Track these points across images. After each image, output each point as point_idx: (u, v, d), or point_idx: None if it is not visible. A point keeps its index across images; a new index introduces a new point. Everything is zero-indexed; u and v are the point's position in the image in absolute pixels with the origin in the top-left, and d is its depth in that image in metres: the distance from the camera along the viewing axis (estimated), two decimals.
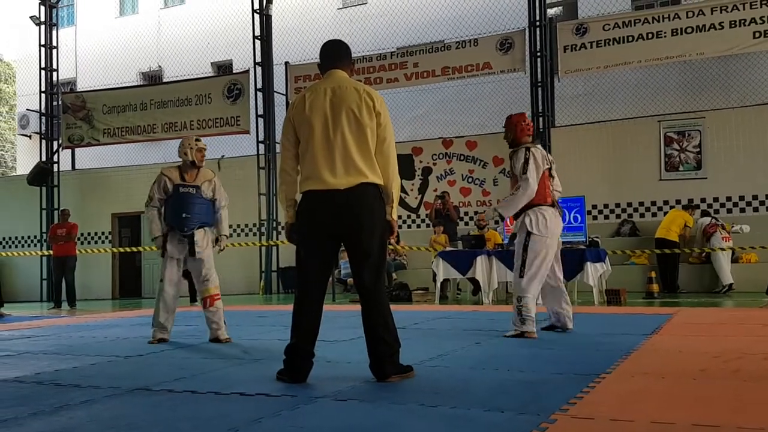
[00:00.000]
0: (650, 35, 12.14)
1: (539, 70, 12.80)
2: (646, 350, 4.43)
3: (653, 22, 12.14)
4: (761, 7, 11.43)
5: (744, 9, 11.54)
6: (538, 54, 12.79)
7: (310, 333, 3.55)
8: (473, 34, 13.61)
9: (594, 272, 8.69)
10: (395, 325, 3.61)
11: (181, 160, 5.72)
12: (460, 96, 15.56)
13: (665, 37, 12.04)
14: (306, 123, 3.47)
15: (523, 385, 3.31)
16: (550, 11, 14.04)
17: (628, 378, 3.46)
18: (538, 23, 12.80)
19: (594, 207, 12.65)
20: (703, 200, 11.99)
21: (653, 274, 10.17)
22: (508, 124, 5.68)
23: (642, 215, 12.49)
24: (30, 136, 20.55)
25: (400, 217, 14.14)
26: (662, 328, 5.62)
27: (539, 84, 12.79)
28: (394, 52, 14.29)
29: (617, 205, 12.75)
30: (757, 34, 11.47)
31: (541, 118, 12.75)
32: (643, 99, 13.60)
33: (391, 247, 12.75)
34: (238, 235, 15.16)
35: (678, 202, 12.14)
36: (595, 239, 10.00)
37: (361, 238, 3.45)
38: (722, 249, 10.71)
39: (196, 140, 5.73)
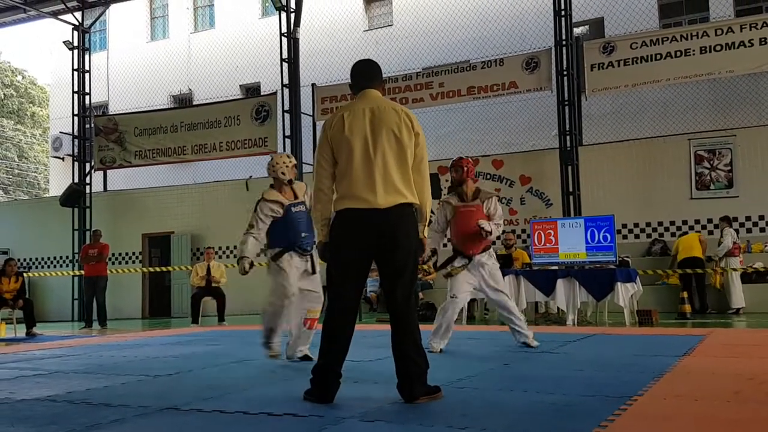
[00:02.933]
0: (678, 53, 12.04)
1: (566, 88, 12.76)
2: (678, 372, 4.34)
3: (681, 40, 12.04)
4: None
5: None
6: (565, 73, 12.76)
7: (339, 354, 3.57)
8: (499, 54, 13.63)
9: (625, 293, 8.56)
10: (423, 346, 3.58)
11: (273, 179, 5.61)
12: (485, 115, 15.56)
13: (694, 54, 11.93)
14: (345, 143, 3.49)
15: (552, 407, 3.26)
16: (577, 30, 14.02)
17: (661, 400, 3.40)
18: (564, 42, 12.79)
19: (624, 226, 12.50)
20: (735, 219, 11.78)
21: (685, 295, 10.00)
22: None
23: (673, 234, 12.31)
24: (63, 158, 21.00)
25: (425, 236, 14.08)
26: (695, 350, 5.50)
27: (566, 103, 12.74)
28: (420, 72, 14.37)
29: (648, 224, 12.58)
30: None
31: (568, 137, 12.68)
32: (672, 117, 13.46)
33: (425, 267, 12.70)
34: (266, 255, 15.19)
35: (709, 221, 11.95)
36: (625, 259, 9.89)
37: (397, 256, 3.48)
38: (734, 269, 10.57)
39: (288, 156, 5.68)
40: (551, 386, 3.94)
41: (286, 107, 14.88)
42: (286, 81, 14.89)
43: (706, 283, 10.97)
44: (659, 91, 13.67)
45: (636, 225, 12.65)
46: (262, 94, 16.98)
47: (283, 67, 14.91)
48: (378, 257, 3.53)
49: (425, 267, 11.06)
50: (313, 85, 14.96)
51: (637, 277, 9.24)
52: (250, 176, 15.54)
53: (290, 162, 5.59)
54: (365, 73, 3.71)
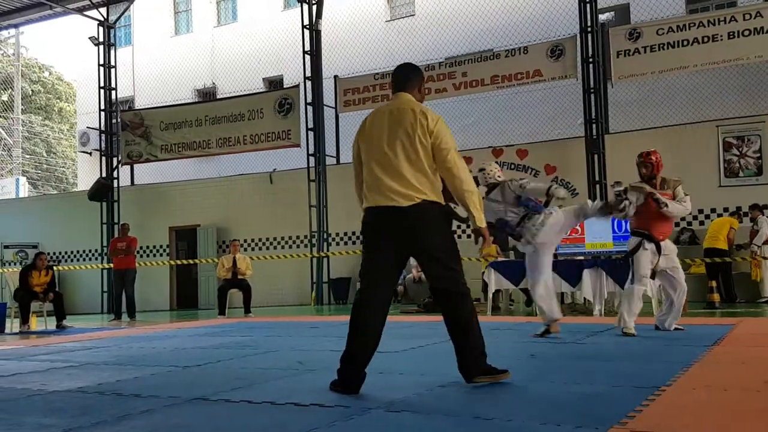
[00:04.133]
0: (706, 39, 11.81)
1: (591, 76, 12.60)
2: (707, 362, 4.29)
3: (709, 26, 11.81)
4: None
5: None
6: (590, 60, 12.59)
7: (368, 344, 3.63)
8: (523, 42, 13.50)
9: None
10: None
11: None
12: (509, 104, 15.43)
13: (722, 40, 11.70)
14: (366, 143, 3.68)
15: (580, 398, 3.24)
16: (602, 17, 13.82)
17: (690, 390, 3.36)
18: (589, 29, 12.61)
19: None
20: (765, 206, 11.56)
21: (713, 284, 9.85)
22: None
23: (702, 223, 12.12)
24: (90, 153, 21.31)
25: None
26: (724, 339, 5.43)
27: (592, 90, 12.58)
28: (443, 62, 14.29)
29: None
30: None
31: (594, 125, 12.53)
32: (700, 104, 13.22)
33: (486, 251, 12.65)
34: (290, 247, 15.35)
35: (738, 209, 11.73)
36: None
37: (419, 248, 3.61)
38: (765, 258, 10.36)
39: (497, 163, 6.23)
40: (578, 377, 3.92)
41: (309, 100, 14.92)
42: (308, 73, 14.92)
43: (734, 272, 10.79)
44: (687, 78, 13.43)
45: None
46: (284, 86, 17.04)
47: (306, 60, 14.93)
48: (409, 253, 3.66)
49: (487, 250, 11.06)
50: (335, 77, 14.97)
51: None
52: (274, 169, 15.62)
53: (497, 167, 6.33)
54: (399, 78, 3.84)
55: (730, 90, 13.34)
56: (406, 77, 3.83)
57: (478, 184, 5.59)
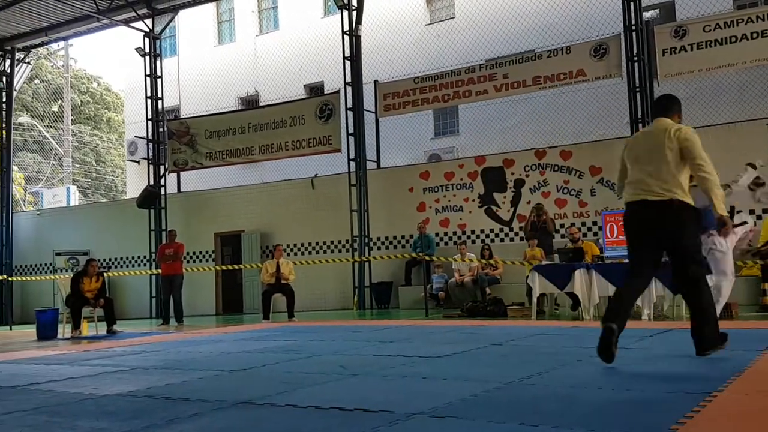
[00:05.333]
0: (755, 35, 11.47)
1: (637, 75, 12.36)
2: (760, 367, 4.15)
3: (758, 21, 11.46)
4: None
5: None
6: (635, 59, 12.35)
7: (624, 316, 4.46)
8: (565, 42, 13.33)
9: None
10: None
11: None
12: (552, 105, 15.25)
13: None
14: (631, 151, 4.74)
15: (628, 404, 3.17)
16: (646, 14, 13.55)
17: (743, 396, 3.26)
18: (634, 27, 12.38)
19: None
20: None
21: (766, 287, 9.53)
22: None
23: (754, 224, 11.74)
24: (138, 162, 21.84)
25: (492, 230, 13.98)
26: None
27: (637, 89, 12.34)
28: (483, 64, 14.21)
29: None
30: None
31: (640, 124, 12.28)
32: (749, 101, 12.84)
33: (492, 261, 12.59)
34: (332, 251, 15.44)
35: None
36: None
37: (663, 238, 4.48)
38: None
39: None
40: (627, 382, 3.84)
41: (349, 105, 14.99)
42: (348, 79, 15.00)
43: None
44: (735, 75, 13.06)
45: None
46: (325, 92, 17.17)
47: (346, 65, 15.02)
48: (660, 243, 4.53)
49: (531, 253, 10.99)
50: (375, 81, 15.02)
51: None
52: (316, 174, 15.74)
53: None
54: (658, 105, 4.87)
55: None
56: (666, 106, 4.80)
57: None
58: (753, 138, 11.81)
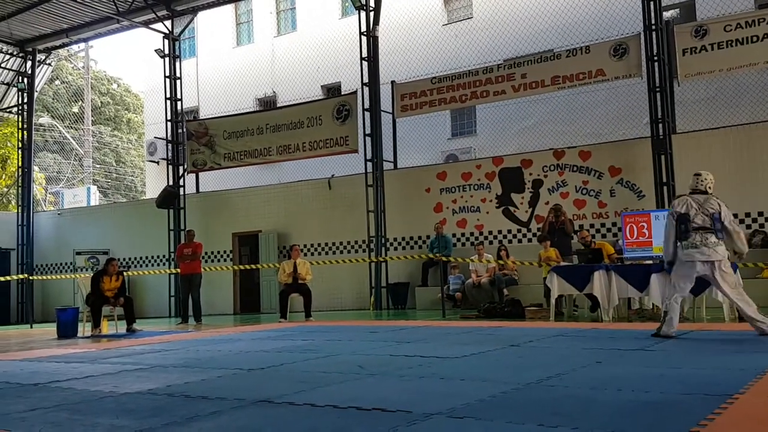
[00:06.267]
0: None
1: (657, 75, 12.24)
2: None
3: None
4: None
5: None
6: (656, 58, 12.24)
7: None
8: (584, 41, 13.24)
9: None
10: None
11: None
12: (571, 105, 15.15)
13: None
14: None
15: (648, 406, 3.15)
16: (666, 14, 13.42)
17: (764, 399, 3.22)
18: (654, 27, 12.26)
19: None
20: None
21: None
22: None
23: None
24: (158, 162, 22.02)
25: (509, 231, 13.93)
26: None
27: (658, 89, 12.22)
28: (501, 64, 14.15)
29: (747, 215, 11.91)
30: None
31: (661, 125, 12.16)
32: None
33: (501, 262, 12.57)
34: (348, 251, 15.47)
35: None
36: None
37: None
38: None
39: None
40: (647, 384, 3.80)
41: (366, 105, 15.00)
42: (366, 79, 15.02)
43: None
44: (757, 75, 12.89)
45: (735, 215, 11.96)
46: (342, 93, 17.19)
47: (363, 66, 15.03)
48: None
49: (546, 254, 10.99)
50: (392, 82, 15.02)
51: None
52: (333, 175, 15.77)
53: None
54: None
55: None
56: None
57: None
58: None
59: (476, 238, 13.97)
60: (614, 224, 12.63)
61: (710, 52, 11.79)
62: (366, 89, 15.00)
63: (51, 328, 11.47)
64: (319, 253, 15.74)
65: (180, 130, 17.42)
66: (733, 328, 7.21)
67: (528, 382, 3.90)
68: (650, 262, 8.91)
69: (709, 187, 6.48)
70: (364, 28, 15.11)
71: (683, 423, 2.68)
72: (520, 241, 13.83)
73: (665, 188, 11.94)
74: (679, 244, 6.36)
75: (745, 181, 11.82)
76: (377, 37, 15.20)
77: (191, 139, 17.09)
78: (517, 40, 15.86)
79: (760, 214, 11.81)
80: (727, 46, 11.69)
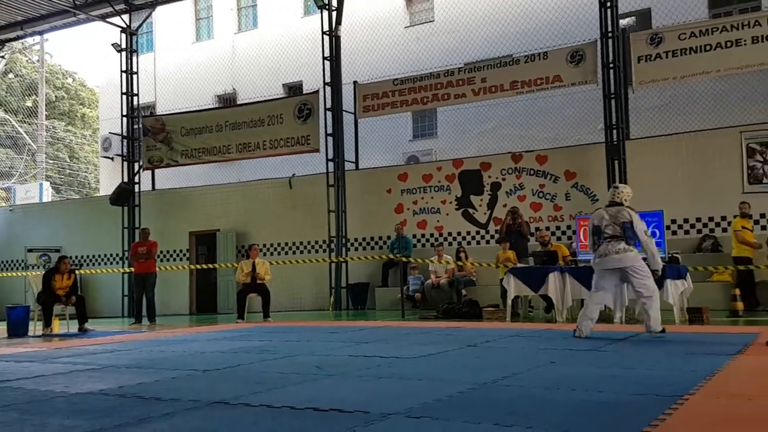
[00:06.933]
0: (729, 43, 11.68)
1: (612, 81, 12.51)
2: (731, 371, 4.23)
3: (732, 30, 11.67)
4: None
5: None
6: (611, 65, 12.50)
7: None
8: (542, 47, 13.44)
9: (674, 290, 8.35)
10: None
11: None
12: (529, 110, 15.37)
13: (745, 45, 11.55)
14: None
15: (601, 406, 3.21)
16: (623, 22, 13.71)
17: (714, 399, 3.31)
18: (610, 34, 12.53)
19: (673, 222, 12.20)
20: None
21: (737, 292, 9.70)
22: None
23: (725, 230, 11.95)
24: (112, 158, 21.53)
25: (468, 232, 14.05)
26: (748, 348, 5.35)
27: (612, 96, 12.49)
28: (462, 68, 14.27)
29: (698, 220, 12.26)
30: None
31: (615, 131, 12.44)
32: (723, 109, 13.06)
33: (460, 263, 12.67)
34: (309, 251, 15.39)
35: (762, 215, 11.57)
36: (675, 255, 9.63)
37: None
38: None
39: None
40: (600, 385, 3.88)
41: (328, 105, 14.96)
42: (327, 79, 14.97)
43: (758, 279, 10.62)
44: (709, 83, 13.27)
45: (686, 220, 12.34)
46: (304, 92, 17.11)
47: (325, 66, 14.99)
48: None
49: (505, 255, 11.07)
50: (354, 82, 15.01)
51: (687, 274, 9.02)
52: (293, 174, 15.68)
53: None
54: None
55: (753, 95, 13.18)
56: None
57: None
58: (726, 145, 12.02)
59: (436, 240, 14.06)
60: (569, 227, 12.86)
61: (664, 59, 12.10)
62: (328, 89, 14.95)
63: (1, 327, 11.12)
64: (279, 253, 15.62)
65: (136, 126, 17.10)
66: (683, 330, 7.41)
67: (484, 382, 3.94)
68: None
69: (625, 200, 6.78)
70: (326, 28, 15.06)
71: (635, 423, 2.74)
72: (478, 242, 13.97)
73: None
74: (593, 254, 6.78)
75: (696, 187, 12.17)
76: (339, 36, 15.17)
77: (147, 135, 16.78)
78: (478, 44, 16.03)
79: (710, 219, 12.17)
80: (681, 54, 12.01)
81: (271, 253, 15.55)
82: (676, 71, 12.09)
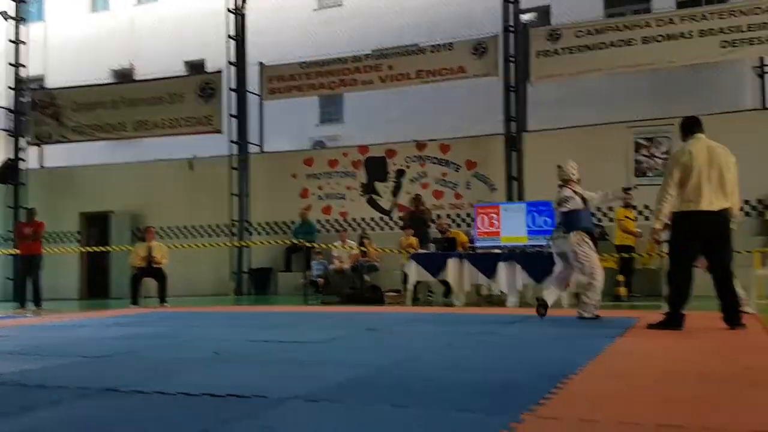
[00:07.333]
0: (621, 43, 12.31)
1: (512, 75, 12.92)
2: (613, 352, 4.50)
3: (625, 30, 12.32)
4: (729, 17, 11.68)
5: (713, 19, 11.77)
6: (512, 59, 12.91)
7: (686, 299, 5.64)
8: (448, 38, 13.68)
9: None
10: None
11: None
12: (434, 99, 15.62)
13: (636, 45, 12.23)
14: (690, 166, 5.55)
15: (494, 386, 3.34)
16: (524, 17, 14.17)
17: (596, 379, 3.52)
18: (512, 28, 12.92)
19: None
20: None
21: (621, 278, 10.31)
22: None
23: (611, 220, 12.66)
24: None
25: (372, 219, 14.16)
26: (629, 331, 5.71)
27: (512, 89, 12.91)
28: (369, 54, 14.31)
29: None
30: (725, 44, 11.71)
31: (513, 123, 12.87)
32: (614, 105, 13.77)
33: (363, 249, 12.76)
34: (209, 235, 15.04)
35: (646, 207, 12.33)
36: None
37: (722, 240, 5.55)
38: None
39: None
40: (492, 365, 4.03)
41: (232, 85, 14.62)
42: (232, 58, 14.62)
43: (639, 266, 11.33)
44: (602, 80, 13.96)
45: None
46: (207, 71, 16.63)
47: (230, 45, 14.62)
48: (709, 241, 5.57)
49: (407, 241, 11.22)
50: (260, 63, 14.72)
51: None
52: (194, 155, 15.23)
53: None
54: (698, 123, 5.90)
55: (642, 94, 13.97)
56: (701, 125, 5.87)
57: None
58: (615, 140, 12.68)
59: (340, 225, 14.09)
60: (468, 215, 13.23)
61: (562, 56, 12.62)
62: (232, 69, 14.60)
63: None
64: (178, 237, 15.17)
65: (23, 99, 16.05)
66: (571, 314, 7.81)
67: (384, 365, 4.00)
68: (498, 251, 9.43)
69: (564, 179, 7.12)
70: (231, 5, 14.67)
71: (525, 401, 2.87)
72: (382, 228, 14.12)
73: (515, 183, 12.68)
74: None
75: (587, 180, 12.72)
76: (245, 15, 14.82)
77: (36, 109, 15.81)
78: (385, 31, 16.10)
79: (599, 209, 12.83)
80: (577, 51, 12.56)
81: (170, 237, 15.07)
82: (572, 67, 12.64)
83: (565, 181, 7.13)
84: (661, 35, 12.04)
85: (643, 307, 8.97)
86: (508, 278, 9.03)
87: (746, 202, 11.56)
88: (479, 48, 13.15)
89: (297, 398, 3.07)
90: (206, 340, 5.61)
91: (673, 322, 5.61)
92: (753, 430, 2.37)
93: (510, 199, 12.43)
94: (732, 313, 5.56)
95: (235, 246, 14.11)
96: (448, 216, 13.28)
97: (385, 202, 14.16)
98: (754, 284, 8.16)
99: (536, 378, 3.51)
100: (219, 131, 14.63)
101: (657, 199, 5.73)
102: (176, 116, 14.99)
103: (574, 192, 7.01)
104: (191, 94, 14.90)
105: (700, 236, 5.57)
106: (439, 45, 13.54)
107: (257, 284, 14.11)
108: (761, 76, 12.34)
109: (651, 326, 5.73)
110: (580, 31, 12.60)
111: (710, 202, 5.47)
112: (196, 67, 19.05)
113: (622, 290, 10.21)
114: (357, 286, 11.87)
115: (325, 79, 14.25)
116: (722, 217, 5.54)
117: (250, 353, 4.74)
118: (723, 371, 3.71)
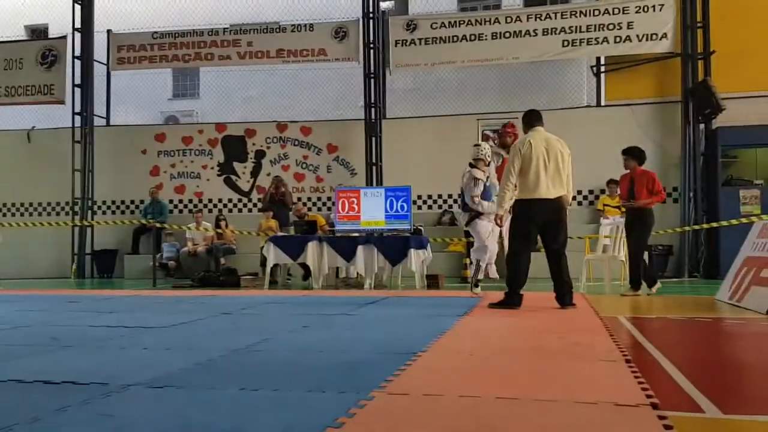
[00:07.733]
0: (473, 37, 12.85)
1: (372, 61, 13.09)
2: (458, 330, 4.75)
3: (476, 25, 12.87)
4: (570, 17, 12.54)
5: (555, 18, 12.60)
6: (372, 46, 13.07)
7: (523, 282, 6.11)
8: (310, 19, 13.59)
9: (417, 258, 9.11)
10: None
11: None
12: (295, 80, 15.48)
13: (486, 40, 12.81)
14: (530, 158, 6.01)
15: (345, 366, 3.41)
16: (383, 4, 14.39)
17: (441, 356, 3.70)
18: (371, 15, 13.07)
19: (419, 197, 13.22)
20: None
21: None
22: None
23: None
24: None
25: (230, 200, 13.84)
26: (473, 310, 6.05)
27: (372, 75, 13.08)
28: (227, 28, 13.89)
29: (439, 196, 13.43)
30: (566, 43, 12.58)
31: (373, 109, 13.07)
32: (465, 97, 14.36)
33: (219, 231, 12.47)
34: (48, 214, 13.98)
35: None
36: (419, 227, 10.48)
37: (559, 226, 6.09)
38: None
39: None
40: (345, 346, 4.12)
41: (77, 53, 13.64)
42: (78, 24, 13.62)
43: None
44: (455, 72, 14.51)
45: (429, 196, 13.45)
46: (49, 36, 15.35)
47: (75, 9, 13.60)
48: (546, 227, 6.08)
49: (267, 224, 11.05)
50: (108, 31, 13.83)
51: (428, 245, 9.88)
52: (33, 127, 14.08)
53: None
54: (538, 117, 6.26)
55: (490, 87, 14.68)
56: (540, 118, 6.24)
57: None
58: (465, 130, 13.24)
59: (195, 206, 13.64)
60: (329, 198, 13.32)
61: (418, 46, 12.97)
62: (78, 35, 13.60)
63: None
64: (13, 215, 13.98)
65: None
66: (422, 294, 8.14)
67: (236, 349, 3.95)
68: (357, 234, 9.59)
69: (474, 159, 8.27)
70: None
71: (374, 379, 2.96)
72: (240, 210, 13.84)
73: (374, 168, 12.91)
74: None
75: (439, 167, 13.28)
76: None
77: None
78: (245, 6, 15.65)
79: (450, 196, 13.40)
80: (433, 43, 12.95)
81: (4, 214, 13.85)
82: (427, 58, 13.03)
83: (476, 161, 8.09)
84: (508, 32, 12.70)
85: (487, 288, 9.50)
86: (366, 261, 9.20)
87: (579, 192, 12.56)
88: (340, 32, 13.18)
89: (139, 385, 2.96)
90: (43, 326, 5.23)
91: (511, 301, 6.05)
92: (578, 401, 2.61)
93: (369, 183, 12.65)
94: (564, 293, 6.05)
95: (77, 225, 13.22)
96: (309, 199, 13.28)
97: (243, 183, 13.88)
98: (585, 268, 8.91)
99: (387, 357, 3.63)
100: (62, 102, 13.59)
101: (500, 187, 6.25)
102: (13, 84, 13.80)
103: (484, 174, 8.19)
104: (31, 61, 13.73)
105: (539, 222, 5.99)
106: (300, 25, 13.42)
107: (101, 267, 13.33)
108: (597, 75, 13.37)
109: (492, 305, 6.12)
110: (435, 23, 13.00)
111: (548, 190, 5.93)
112: (38, 33, 17.56)
113: (469, 272, 10.74)
114: (212, 269, 11.58)
115: (180, 51, 13.66)
116: (558, 204, 6.01)
117: (91, 339, 4.49)
118: (555, 347, 4.03)
